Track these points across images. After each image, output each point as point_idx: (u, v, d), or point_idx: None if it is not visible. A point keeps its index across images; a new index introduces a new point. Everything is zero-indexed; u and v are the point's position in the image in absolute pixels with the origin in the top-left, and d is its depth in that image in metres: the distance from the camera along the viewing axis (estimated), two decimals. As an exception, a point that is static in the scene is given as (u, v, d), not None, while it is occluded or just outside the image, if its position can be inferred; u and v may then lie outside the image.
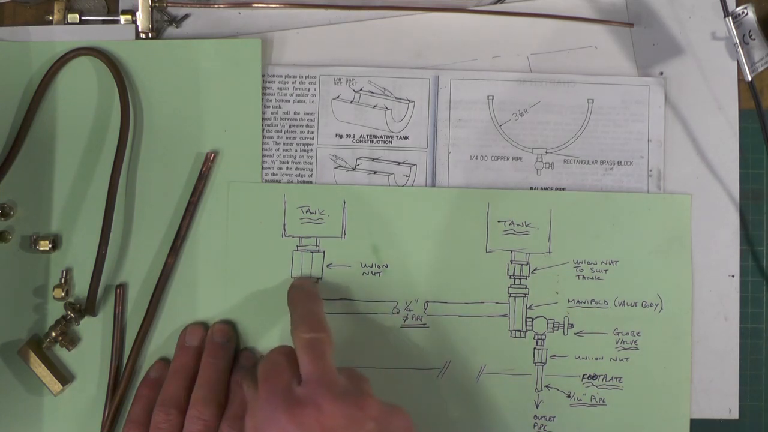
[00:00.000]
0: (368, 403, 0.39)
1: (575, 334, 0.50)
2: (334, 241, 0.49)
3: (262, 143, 0.50)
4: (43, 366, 0.47)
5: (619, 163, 0.50)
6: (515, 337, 0.49)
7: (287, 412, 0.38)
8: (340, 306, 0.49)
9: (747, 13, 0.47)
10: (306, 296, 0.46)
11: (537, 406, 0.49)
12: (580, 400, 0.49)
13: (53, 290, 0.48)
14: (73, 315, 0.47)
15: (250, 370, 0.45)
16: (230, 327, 0.48)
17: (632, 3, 0.51)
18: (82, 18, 0.49)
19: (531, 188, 0.50)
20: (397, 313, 0.49)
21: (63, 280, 0.48)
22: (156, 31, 0.50)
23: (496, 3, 0.51)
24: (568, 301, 0.50)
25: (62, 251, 0.49)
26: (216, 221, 0.49)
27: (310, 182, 0.50)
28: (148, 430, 0.44)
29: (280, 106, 0.50)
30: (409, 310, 0.49)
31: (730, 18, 0.47)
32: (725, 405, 0.50)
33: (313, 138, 0.50)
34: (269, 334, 0.49)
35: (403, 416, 0.40)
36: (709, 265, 0.50)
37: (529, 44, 0.51)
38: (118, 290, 0.48)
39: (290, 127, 0.50)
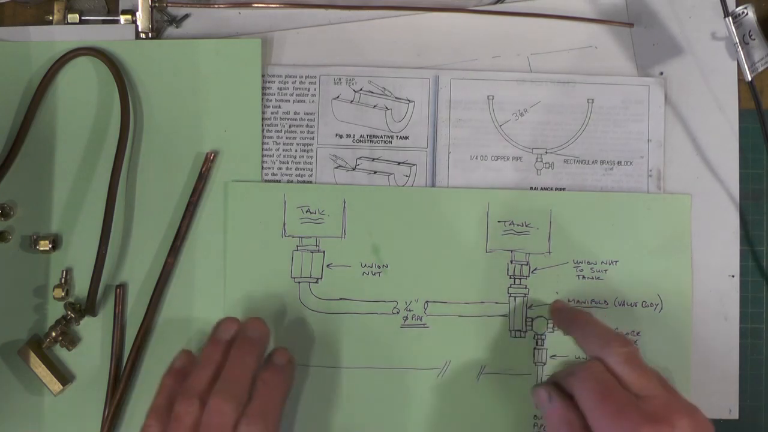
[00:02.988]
0: (701, 416, 0.41)
1: (575, 334, 0.50)
2: (334, 241, 0.49)
3: (262, 143, 0.50)
4: (43, 366, 0.47)
5: (619, 163, 0.50)
6: (515, 337, 0.49)
7: (645, 427, 0.39)
8: (340, 306, 0.49)
9: (747, 13, 0.47)
10: (586, 315, 0.47)
11: (537, 406, 0.49)
12: (580, 400, 0.49)
13: (53, 290, 0.48)
14: (73, 315, 0.47)
15: (548, 384, 0.46)
16: (264, 324, 0.47)
17: (632, 3, 0.51)
18: (82, 18, 0.49)
19: (531, 188, 0.50)
20: (397, 313, 0.49)
21: (63, 280, 0.48)
22: (156, 31, 0.50)
23: (496, 3, 0.51)
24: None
25: (62, 251, 0.49)
26: (216, 221, 0.49)
27: (310, 182, 0.50)
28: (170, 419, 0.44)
29: (280, 106, 0.50)
30: (409, 310, 0.49)
31: (730, 18, 0.47)
32: (725, 405, 0.50)
33: (313, 138, 0.50)
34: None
35: (711, 425, 0.42)
36: (709, 265, 0.50)
37: (529, 44, 0.51)
38: (118, 290, 0.48)
39: (290, 127, 0.50)
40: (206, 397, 0.43)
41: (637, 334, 0.50)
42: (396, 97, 0.50)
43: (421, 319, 0.49)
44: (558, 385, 0.45)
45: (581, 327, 0.46)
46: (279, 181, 0.50)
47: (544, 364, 0.49)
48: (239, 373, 0.44)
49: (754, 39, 0.48)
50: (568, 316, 0.48)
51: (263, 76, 0.50)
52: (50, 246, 0.48)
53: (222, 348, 0.45)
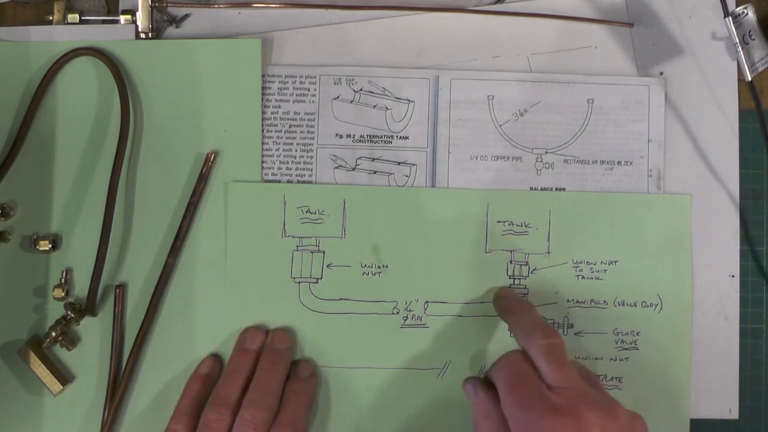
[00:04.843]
0: (619, 411, 0.40)
1: (575, 334, 0.50)
2: (334, 241, 0.49)
3: (262, 143, 0.50)
4: (43, 366, 0.47)
5: (619, 163, 0.50)
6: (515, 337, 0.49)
7: (548, 419, 0.38)
8: (340, 306, 0.49)
9: (747, 13, 0.47)
10: (523, 304, 0.47)
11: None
12: (580, 400, 0.49)
13: (53, 290, 0.48)
14: (73, 315, 0.47)
15: (476, 377, 0.46)
16: (290, 335, 0.48)
17: (632, 3, 0.51)
18: (82, 18, 0.49)
19: (531, 188, 0.50)
20: (397, 313, 0.49)
21: (63, 280, 0.48)
22: (156, 31, 0.50)
23: (496, 3, 0.51)
24: (568, 301, 0.50)
25: (62, 251, 0.49)
26: (216, 221, 0.49)
27: (310, 182, 0.50)
28: (196, 425, 0.45)
29: (280, 106, 0.50)
30: (409, 310, 0.49)
31: (730, 18, 0.47)
32: (725, 405, 0.50)
33: (313, 138, 0.50)
34: (269, 334, 0.49)
35: (643, 423, 0.41)
36: (709, 265, 0.50)
37: (529, 44, 0.51)
38: (118, 290, 0.48)
39: (290, 127, 0.50)
40: (235, 406, 0.44)
41: (637, 334, 0.50)
42: (396, 97, 0.50)
43: (421, 319, 0.49)
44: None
45: (514, 316, 0.46)
46: (279, 181, 0.50)
47: (544, 364, 0.49)
48: (270, 383, 0.46)
49: (754, 39, 0.48)
50: (506, 303, 0.48)
51: (263, 76, 0.50)
52: (50, 246, 0.48)
53: (250, 357, 0.47)
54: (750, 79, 0.48)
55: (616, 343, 0.50)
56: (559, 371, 0.40)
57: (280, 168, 0.50)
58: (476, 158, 0.50)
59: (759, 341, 0.50)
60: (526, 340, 0.43)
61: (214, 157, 0.49)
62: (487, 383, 0.44)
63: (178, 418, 0.45)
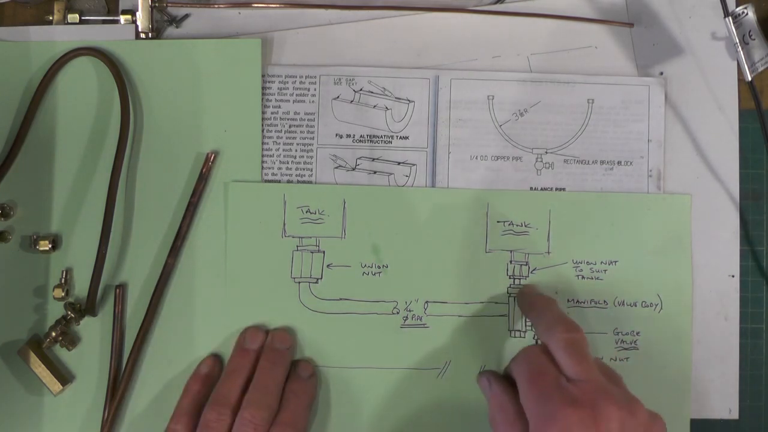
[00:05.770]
0: (638, 408, 0.39)
1: (575, 334, 0.49)
2: (334, 241, 0.49)
3: (262, 143, 0.50)
4: (43, 366, 0.47)
5: (619, 163, 0.50)
6: (515, 337, 0.49)
7: (566, 410, 0.38)
8: (340, 306, 0.49)
9: (747, 13, 0.47)
10: (546, 300, 0.47)
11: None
12: (580, 400, 0.49)
13: (53, 290, 0.48)
14: (73, 315, 0.47)
15: (491, 371, 0.46)
16: (290, 335, 0.48)
17: (632, 3, 0.51)
18: (82, 18, 0.49)
19: (531, 188, 0.50)
20: (397, 313, 0.49)
21: (63, 280, 0.48)
22: (156, 31, 0.50)
23: (496, 3, 0.51)
24: (568, 301, 0.50)
25: (62, 251, 0.49)
26: (216, 221, 0.49)
27: (310, 182, 0.50)
28: (196, 425, 0.45)
29: (280, 106, 0.50)
30: (409, 310, 0.49)
31: (730, 18, 0.47)
32: (725, 405, 0.50)
33: (313, 138, 0.50)
34: (269, 334, 0.49)
35: (662, 423, 0.40)
36: (709, 265, 0.50)
37: (529, 44, 0.51)
38: (118, 290, 0.48)
39: (290, 127, 0.50)
40: (235, 406, 0.45)
41: (637, 334, 0.50)
42: (396, 97, 0.50)
43: (421, 319, 0.49)
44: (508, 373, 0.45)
45: (537, 311, 0.46)
46: (279, 181, 0.50)
47: (544, 364, 0.49)
48: (270, 383, 0.46)
49: (754, 39, 0.48)
50: (529, 300, 0.48)
51: (263, 76, 0.50)
52: (50, 246, 0.48)
53: (250, 357, 0.47)
54: (750, 79, 0.48)
55: (616, 343, 0.50)
56: (579, 365, 0.40)
57: (280, 168, 0.50)
58: (476, 158, 0.50)
59: (759, 341, 0.50)
60: (547, 333, 0.43)
61: (214, 157, 0.49)
62: (501, 377, 0.45)
63: (178, 418, 0.45)
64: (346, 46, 0.50)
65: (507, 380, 0.44)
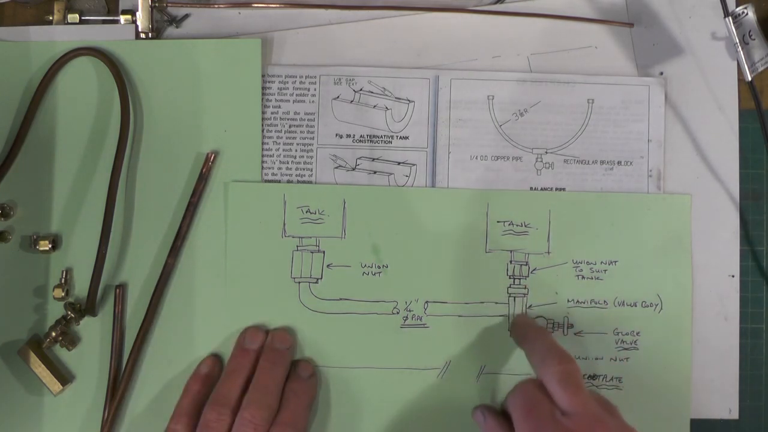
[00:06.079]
0: None
1: (575, 334, 0.50)
2: (334, 241, 0.49)
3: (262, 143, 0.50)
4: (43, 366, 0.47)
5: (619, 163, 0.50)
6: (515, 337, 0.49)
7: None
8: (340, 306, 0.49)
9: (747, 13, 0.47)
10: (539, 330, 0.47)
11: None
12: (580, 400, 0.49)
13: (53, 290, 0.48)
14: (73, 315, 0.47)
15: (485, 405, 0.47)
16: (291, 335, 0.48)
17: (632, 3, 0.51)
18: (82, 18, 0.49)
19: (531, 188, 0.50)
20: (397, 313, 0.49)
21: (63, 280, 0.48)
22: (156, 31, 0.50)
23: (496, 3, 0.51)
24: (568, 301, 0.50)
25: (62, 251, 0.49)
26: (216, 221, 0.49)
27: (310, 182, 0.50)
28: (196, 425, 0.45)
29: (280, 106, 0.50)
30: (409, 310, 0.49)
31: (730, 18, 0.47)
32: (725, 405, 0.50)
33: (313, 138, 0.50)
34: (269, 334, 0.49)
35: None
36: (709, 265, 0.50)
37: (529, 44, 0.51)
38: (118, 290, 0.48)
39: (290, 127, 0.50)
40: (235, 406, 0.45)
41: (637, 334, 0.50)
42: (396, 97, 0.50)
43: (421, 319, 0.49)
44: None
45: (530, 343, 0.46)
46: (279, 181, 0.50)
47: (544, 364, 0.49)
48: (270, 383, 0.46)
49: (754, 39, 0.48)
50: (522, 331, 0.48)
51: (263, 76, 0.50)
52: (50, 246, 0.48)
53: (250, 357, 0.47)
54: (750, 79, 0.48)
55: (616, 343, 0.50)
56: (573, 397, 0.40)
57: (280, 168, 0.50)
58: (476, 158, 0.50)
59: (759, 341, 0.50)
60: (540, 366, 0.43)
61: (214, 157, 0.49)
62: (496, 411, 0.45)
63: (178, 418, 0.45)
64: (346, 46, 0.51)
65: (502, 415, 0.44)
